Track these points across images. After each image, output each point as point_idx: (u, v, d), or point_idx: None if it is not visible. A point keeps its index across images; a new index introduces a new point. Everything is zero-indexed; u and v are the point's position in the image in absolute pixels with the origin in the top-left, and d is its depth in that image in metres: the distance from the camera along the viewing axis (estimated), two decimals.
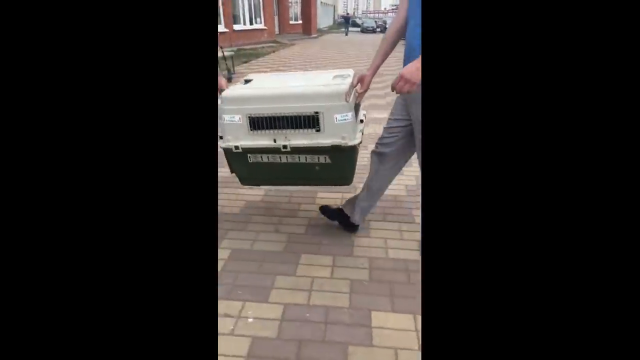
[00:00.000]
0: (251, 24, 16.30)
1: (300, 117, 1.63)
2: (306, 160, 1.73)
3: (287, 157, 1.72)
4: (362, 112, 1.87)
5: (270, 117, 1.66)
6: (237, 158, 1.78)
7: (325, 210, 2.15)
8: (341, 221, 2.09)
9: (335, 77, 1.73)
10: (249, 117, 1.66)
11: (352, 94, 1.68)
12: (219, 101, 1.66)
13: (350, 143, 1.63)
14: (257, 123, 1.69)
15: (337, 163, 1.73)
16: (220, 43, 9.12)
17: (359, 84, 1.72)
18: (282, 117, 1.65)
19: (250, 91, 1.66)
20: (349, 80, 1.70)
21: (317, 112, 1.60)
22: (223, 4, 12.98)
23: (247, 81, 1.84)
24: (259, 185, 1.95)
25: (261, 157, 1.75)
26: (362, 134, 1.75)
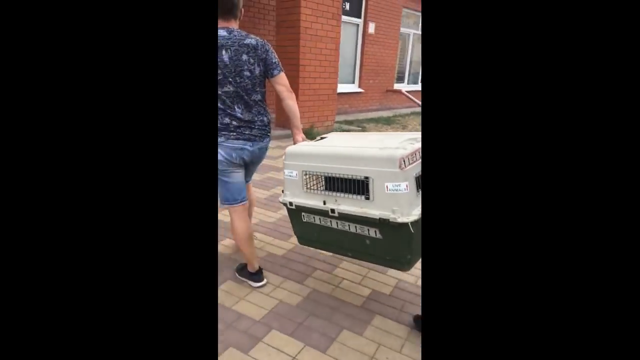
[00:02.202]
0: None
1: (351, 180, 1.47)
2: (356, 230, 1.51)
3: (337, 222, 1.56)
4: None
5: (324, 177, 1.55)
6: (292, 215, 1.72)
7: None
8: None
9: (406, 140, 1.49)
10: (304, 173, 1.58)
11: (418, 162, 1.40)
12: (283, 157, 1.66)
13: (400, 220, 1.35)
14: (312, 182, 1.60)
15: (389, 240, 1.45)
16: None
17: None
18: (335, 178, 1.52)
19: (310, 148, 1.60)
20: (419, 145, 1.43)
21: (367, 177, 1.40)
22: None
23: (321, 138, 1.79)
24: (314, 247, 1.80)
25: (313, 217, 1.63)
26: None
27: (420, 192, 1.44)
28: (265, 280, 1.97)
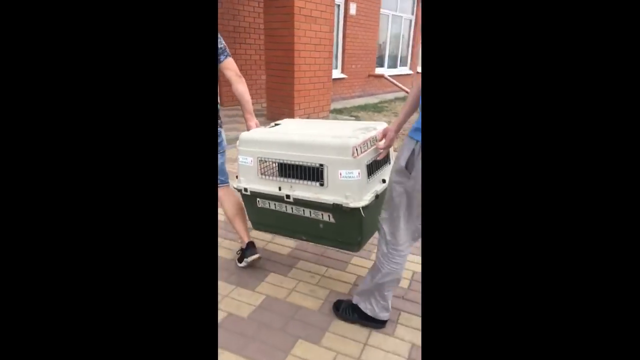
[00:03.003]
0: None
1: (305, 167, 1.51)
2: (310, 215, 1.57)
3: (292, 207, 1.60)
4: (383, 172, 1.64)
5: (279, 164, 1.58)
6: (247, 200, 1.73)
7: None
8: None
9: (358, 129, 1.57)
10: (259, 160, 1.60)
11: (369, 150, 1.49)
12: (237, 142, 1.66)
13: (353, 204, 1.43)
14: (266, 168, 1.62)
15: (341, 224, 1.53)
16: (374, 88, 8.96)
17: (383, 139, 1.51)
18: (290, 165, 1.56)
19: (264, 135, 1.62)
20: (370, 134, 1.51)
21: (322, 165, 1.46)
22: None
23: (275, 124, 1.81)
24: (267, 231, 1.84)
25: (268, 203, 1.66)
26: (377, 197, 1.51)
27: (370, 179, 1.53)
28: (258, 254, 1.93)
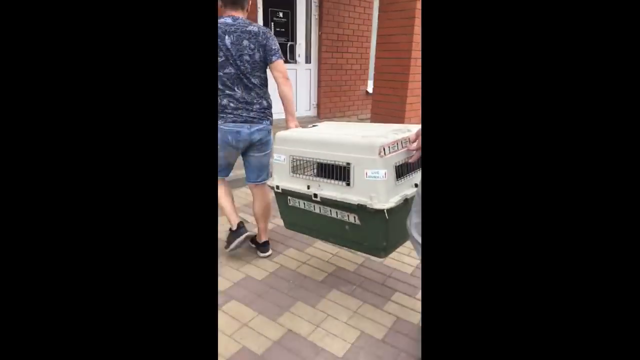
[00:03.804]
0: None
1: (333, 166, 1.49)
2: (336, 215, 1.54)
3: (320, 207, 1.58)
4: (416, 176, 1.55)
5: (310, 162, 1.59)
6: (279, 199, 1.75)
7: None
8: None
9: (391, 130, 1.51)
10: (291, 158, 1.62)
11: (400, 151, 1.42)
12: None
13: (377, 206, 1.36)
14: (298, 166, 1.64)
15: (366, 227, 1.46)
16: None
17: (417, 141, 1.44)
18: (319, 164, 1.55)
19: (297, 134, 1.63)
20: (403, 135, 1.45)
21: (348, 164, 1.43)
22: None
23: (313, 126, 1.82)
24: (299, 231, 1.84)
25: (298, 202, 1.66)
26: (406, 201, 1.43)
27: (399, 181, 1.46)
28: (242, 237, 1.99)
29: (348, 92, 5.96)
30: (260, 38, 1.78)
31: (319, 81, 5.73)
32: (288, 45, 5.25)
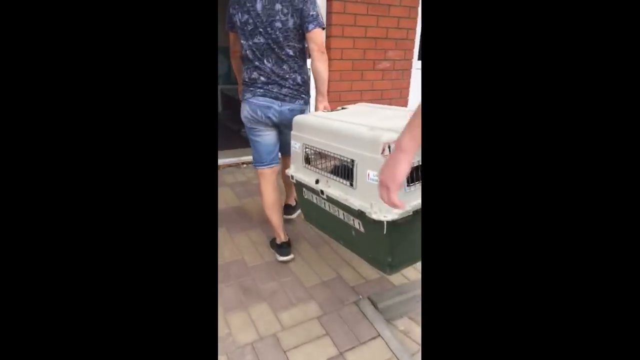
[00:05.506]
0: None
1: (341, 161, 1.28)
2: (343, 217, 1.34)
3: (329, 205, 1.40)
4: None
5: (321, 154, 1.39)
6: (297, 188, 1.60)
7: None
8: None
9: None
10: (304, 147, 1.45)
11: None
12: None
13: (375, 216, 1.12)
14: (309, 157, 1.45)
15: (369, 237, 1.24)
16: None
17: None
18: (329, 156, 1.34)
19: (312, 119, 1.43)
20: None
21: (353, 161, 1.20)
22: None
23: (342, 108, 1.60)
24: (315, 226, 1.67)
25: (311, 195, 1.50)
26: (418, 213, 1.15)
27: (409, 189, 1.17)
28: (291, 255, 1.81)
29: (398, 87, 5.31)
30: (296, 1, 1.49)
31: None
32: None
